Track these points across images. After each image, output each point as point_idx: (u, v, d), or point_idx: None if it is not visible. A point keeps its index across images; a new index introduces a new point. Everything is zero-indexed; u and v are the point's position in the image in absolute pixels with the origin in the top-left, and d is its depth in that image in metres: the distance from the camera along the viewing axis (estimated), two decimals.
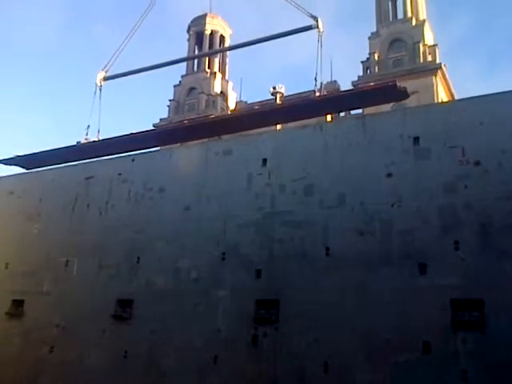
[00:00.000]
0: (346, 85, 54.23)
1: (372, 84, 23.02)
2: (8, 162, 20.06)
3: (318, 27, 20.82)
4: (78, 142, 20.38)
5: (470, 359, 10.25)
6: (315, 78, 18.86)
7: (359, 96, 17.85)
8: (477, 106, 12.00)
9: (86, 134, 20.63)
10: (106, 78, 23.94)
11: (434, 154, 11.84)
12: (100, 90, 23.37)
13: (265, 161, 13.73)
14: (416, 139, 12.11)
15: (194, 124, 21.08)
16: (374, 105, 17.67)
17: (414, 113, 13.14)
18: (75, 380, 14.30)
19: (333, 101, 18.15)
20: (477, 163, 11.34)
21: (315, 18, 21.15)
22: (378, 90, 16.80)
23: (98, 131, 20.72)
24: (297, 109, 17.94)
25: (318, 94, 18.10)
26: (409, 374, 10.61)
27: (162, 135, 19.76)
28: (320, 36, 20.43)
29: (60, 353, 14.86)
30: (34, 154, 19.45)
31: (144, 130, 19.36)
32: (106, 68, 24.16)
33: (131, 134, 18.41)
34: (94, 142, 20.37)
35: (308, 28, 21.40)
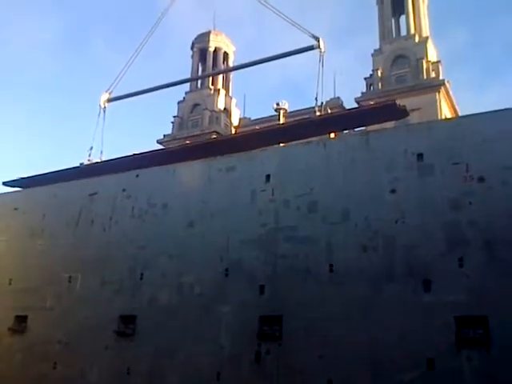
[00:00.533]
0: (349, 101, 54.50)
1: (372, 103, 23.14)
2: (12, 184, 20.21)
3: (319, 47, 21.03)
4: (81, 164, 20.48)
5: (475, 377, 10.15)
6: (316, 98, 19.01)
7: (359, 115, 17.95)
8: (481, 122, 12.03)
9: (89, 156, 20.75)
10: (109, 100, 24.10)
11: (437, 171, 11.83)
12: (104, 111, 23.53)
13: (268, 177, 13.75)
14: (420, 155, 12.11)
15: (196, 145, 21.16)
16: (374, 123, 17.77)
17: (418, 129, 13.17)
18: None
19: (333, 120, 18.25)
20: (481, 179, 11.33)
21: (317, 39, 21.38)
22: (378, 109, 16.89)
23: (101, 152, 20.82)
24: (298, 128, 18.00)
25: (318, 113, 18.21)
26: None
27: (165, 156, 19.81)
28: (322, 56, 20.61)
29: (63, 369, 14.80)
30: (38, 175, 19.57)
31: (146, 150, 19.47)
32: (110, 90, 24.37)
33: (134, 154, 18.50)
34: (97, 163, 20.44)
35: (310, 48, 21.62)
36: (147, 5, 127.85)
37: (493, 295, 10.46)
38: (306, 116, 43.45)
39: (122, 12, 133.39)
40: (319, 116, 17.73)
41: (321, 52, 20.90)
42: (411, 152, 12.22)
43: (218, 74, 56.31)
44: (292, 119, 38.02)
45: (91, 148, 20.21)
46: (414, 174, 12.07)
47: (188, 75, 58.38)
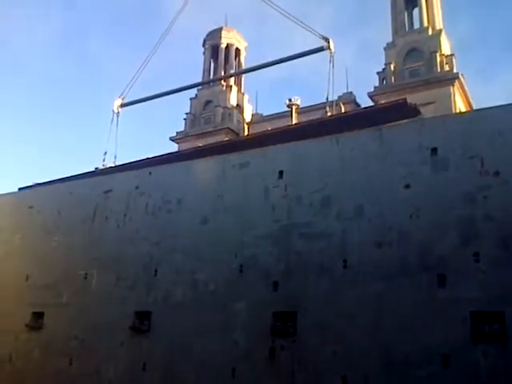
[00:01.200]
0: (362, 96, 54.27)
1: (383, 102, 23.07)
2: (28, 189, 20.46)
3: (329, 48, 21.02)
4: (96, 169, 20.64)
5: (491, 372, 10.06)
6: (327, 98, 19.02)
7: (370, 115, 17.84)
8: (496, 115, 11.88)
9: (104, 160, 20.93)
10: (122, 105, 24.41)
11: (452, 165, 11.73)
12: (117, 116, 23.81)
13: (281, 173, 13.72)
14: (434, 150, 12.00)
15: (208, 148, 21.20)
16: (385, 123, 17.76)
17: (432, 123, 13.05)
18: None
19: (344, 120, 18.21)
20: (496, 173, 11.20)
21: (327, 40, 21.39)
22: (389, 108, 16.76)
23: (115, 157, 20.98)
24: (310, 128, 17.99)
25: (329, 113, 18.20)
26: None
27: (178, 159, 19.96)
28: (332, 57, 20.60)
29: (79, 365, 14.95)
30: (53, 181, 19.78)
31: (159, 154, 19.56)
32: (123, 95, 24.72)
33: (147, 158, 18.59)
34: (111, 167, 20.58)
35: (320, 49, 21.68)
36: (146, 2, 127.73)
37: (509, 290, 10.35)
38: (319, 111, 43.47)
39: (120, 10, 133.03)
40: (330, 116, 17.69)
41: (331, 53, 20.94)
42: (425, 146, 12.11)
43: (230, 76, 55.98)
44: (304, 115, 38.01)
45: (105, 153, 20.41)
46: (428, 169, 11.96)
47: (199, 73, 58.52)
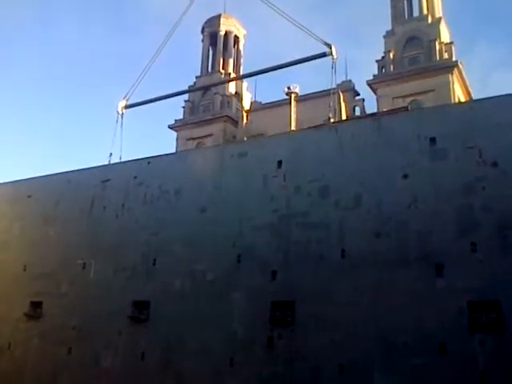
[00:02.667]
0: (360, 83, 53.99)
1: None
2: None
3: (331, 54, 21.02)
4: None
5: (488, 361, 10.15)
6: (329, 105, 18.98)
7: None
8: (495, 106, 11.85)
9: (109, 162, 20.86)
10: (127, 107, 24.57)
11: (450, 155, 11.73)
12: (122, 117, 23.96)
13: (280, 163, 13.71)
14: (433, 140, 12.00)
15: None
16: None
17: (431, 113, 13.05)
18: (93, 381, 14.41)
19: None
20: (494, 164, 11.21)
21: (329, 46, 21.40)
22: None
23: (120, 158, 20.89)
24: None
25: (332, 120, 18.14)
26: (426, 376, 10.52)
27: None
28: (334, 63, 20.63)
29: (78, 354, 15.01)
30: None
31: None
32: (127, 96, 24.88)
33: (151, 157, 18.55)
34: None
35: (322, 55, 21.68)
36: None
37: (506, 280, 10.42)
38: (318, 99, 43.27)
39: None
40: (333, 123, 17.58)
41: (333, 59, 20.96)
42: (424, 136, 12.10)
43: (238, 79, 55.00)
44: (303, 103, 37.85)
45: (111, 154, 20.28)
46: (426, 159, 11.97)
47: (197, 61, 58.13)
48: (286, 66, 24.66)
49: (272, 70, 25.52)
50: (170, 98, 26.60)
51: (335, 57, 20.91)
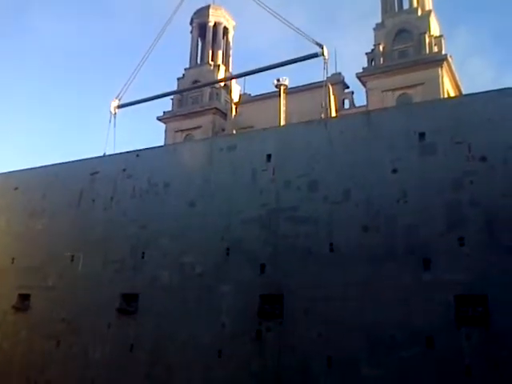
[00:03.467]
0: (350, 76, 54.03)
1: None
2: None
3: (323, 55, 21.16)
4: None
5: (474, 354, 10.26)
6: (322, 105, 19.05)
7: None
8: (484, 101, 11.90)
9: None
10: (119, 106, 24.72)
11: (439, 150, 11.78)
12: (115, 117, 24.12)
13: (269, 156, 13.71)
14: (422, 135, 12.04)
15: None
16: None
17: (420, 108, 13.08)
18: (82, 373, 14.45)
19: None
20: (483, 159, 11.28)
21: (321, 46, 21.53)
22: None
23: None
24: None
25: (323, 115, 18.20)
26: (413, 369, 10.63)
27: None
28: (325, 63, 20.80)
29: (66, 346, 15.01)
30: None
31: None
32: (119, 96, 25.03)
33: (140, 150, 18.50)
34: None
35: (314, 55, 21.84)
36: None
37: (493, 274, 10.52)
38: (308, 92, 43.22)
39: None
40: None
41: (325, 60, 21.12)
42: (413, 131, 12.14)
43: (231, 79, 54.69)
44: (293, 95, 37.80)
45: (104, 154, 20.31)
46: (415, 154, 12.02)
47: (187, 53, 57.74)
48: (278, 66, 24.94)
49: (264, 70, 25.81)
50: (162, 97, 27.08)
51: (327, 58, 21.11)
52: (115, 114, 24.28)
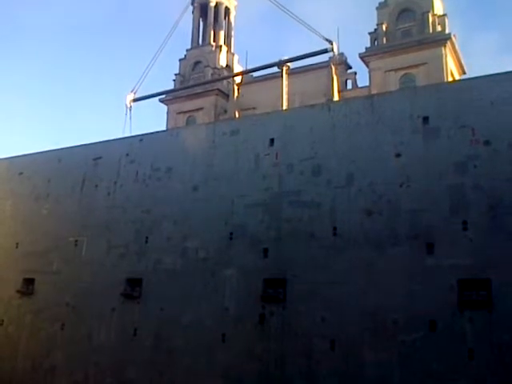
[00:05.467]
0: (353, 56, 53.60)
1: None
2: None
3: (333, 51, 21.29)
4: None
5: (477, 338, 10.32)
6: (328, 99, 19.11)
7: None
8: (488, 84, 11.79)
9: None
10: (134, 100, 25.21)
11: (443, 134, 11.72)
12: (130, 110, 24.59)
13: (272, 141, 13.66)
14: (425, 119, 11.97)
15: None
16: None
17: (424, 92, 12.97)
18: (86, 357, 14.58)
19: None
20: (487, 143, 11.22)
21: (330, 42, 21.64)
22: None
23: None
24: None
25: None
26: (416, 353, 10.70)
27: None
28: (334, 59, 21.05)
29: (71, 330, 15.13)
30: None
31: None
32: (134, 90, 25.53)
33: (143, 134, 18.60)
34: None
35: (324, 51, 21.99)
36: None
37: (496, 258, 10.54)
38: (310, 72, 42.90)
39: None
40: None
41: (334, 55, 21.41)
42: (417, 115, 12.08)
43: (229, 77, 54.31)
44: (295, 76, 37.55)
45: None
46: (419, 138, 11.96)
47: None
48: (290, 61, 25.34)
49: (273, 66, 26.30)
50: (176, 91, 28.10)
51: (336, 53, 21.39)
52: (130, 107, 24.82)
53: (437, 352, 10.53)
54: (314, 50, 24.51)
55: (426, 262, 11.11)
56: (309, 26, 23.82)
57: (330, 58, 23.11)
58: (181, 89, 26.80)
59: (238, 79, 52.54)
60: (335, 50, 21.50)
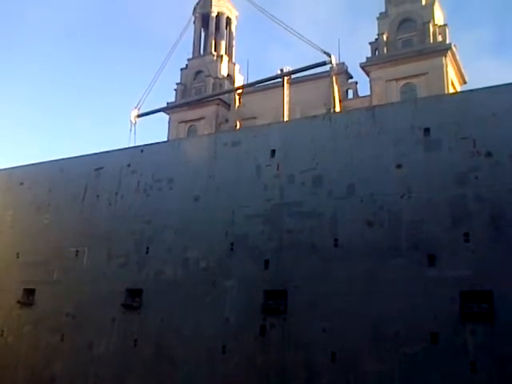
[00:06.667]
0: (354, 66, 53.74)
1: None
2: None
3: (331, 63, 21.54)
4: None
5: (479, 351, 10.25)
6: (329, 109, 19.26)
7: None
8: (489, 96, 11.82)
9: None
10: (138, 116, 25.53)
11: (444, 145, 11.71)
12: (134, 126, 24.93)
13: (273, 152, 13.65)
14: (427, 130, 11.97)
15: None
16: None
17: (425, 103, 12.98)
18: (86, 367, 14.50)
19: None
20: (488, 154, 11.21)
21: (328, 55, 21.87)
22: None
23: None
24: None
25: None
26: (417, 365, 10.63)
27: None
28: (333, 71, 21.23)
29: (71, 341, 15.06)
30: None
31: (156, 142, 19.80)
32: (138, 106, 25.88)
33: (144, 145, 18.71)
34: None
35: (322, 64, 22.30)
36: None
37: (498, 270, 10.50)
38: (312, 81, 43.01)
39: None
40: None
41: (332, 68, 21.67)
42: (418, 127, 12.07)
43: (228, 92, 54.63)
44: (296, 85, 37.63)
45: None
46: (420, 149, 11.95)
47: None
48: (290, 74, 25.76)
49: (274, 79, 26.78)
50: (181, 106, 28.73)
51: (334, 65, 21.64)
52: (135, 123, 25.09)
53: (438, 365, 10.47)
54: (313, 62, 24.92)
55: (427, 274, 11.07)
56: (307, 40, 24.12)
57: (330, 68, 23.18)
58: (185, 103, 27.33)
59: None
60: (333, 62, 21.68)
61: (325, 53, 22.57)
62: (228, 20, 59.72)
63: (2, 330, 16.52)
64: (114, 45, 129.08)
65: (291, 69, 38.74)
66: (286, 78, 36.77)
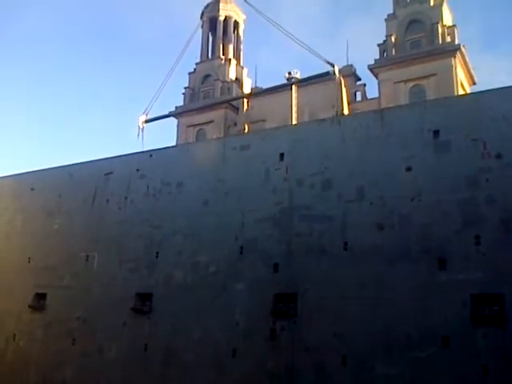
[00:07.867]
0: (362, 68, 53.64)
1: None
2: None
3: (334, 74, 21.73)
4: None
5: (491, 354, 10.18)
6: (335, 113, 19.32)
7: None
8: (499, 98, 11.74)
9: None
10: (146, 121, 25.80)
11: (454, 147, 11.64)
12: (142, 131, 25.21)
13: (282, 155, 13.64)
14: (436, 132, 11.90)
15: None
16: None
17: (434, 105, 12.95)
18: (97, 372, 14.55)
19: None
20: (499, 156, 11.12)
21: (332, 65, 22.07)
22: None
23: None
24: None
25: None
26: (428, 369, 10.58)
27: None
28: (337, 80, 21.40)
29: (82, 345, 15.12)
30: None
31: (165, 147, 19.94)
32: (147, 111, 26.19)
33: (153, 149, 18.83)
34: None
35: (326, 74, 22.55)
36: None
37: (509, 273, 10.39)
38: (319, 84, 42.98)
39: None
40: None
41: (336, 78, 21.88)
42: (427, 129, 12.01)
43: (235, 99, 54.81)
44: (304, 88, 37.62)
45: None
46: (430, 151, 11.88)
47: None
48: (294, 83, 26.35)
49: (282, 87, 27.37)
50: (188, 112, 29.23)
51: (337, 75, 21.85)
52: (143, 128, 25.35)
53: (450, 368, 10.41)
54: (317, 61, 25.42)
55: (438, 277, 11.00)
56: (313, 50, 24.30)
57: (338, 69, 23.25)
58: (195, 109, 27.71)
59: (247, 91, 52.80)
60: (337, 72, 21.87)
61: (328, 63, 22.78)
62: (236, 24, 59.86)
63: (14, 334, 16.60)
64: (123, 48, 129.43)
65: (299, 73, 38.89)
66: (294, 87, 37.05)
